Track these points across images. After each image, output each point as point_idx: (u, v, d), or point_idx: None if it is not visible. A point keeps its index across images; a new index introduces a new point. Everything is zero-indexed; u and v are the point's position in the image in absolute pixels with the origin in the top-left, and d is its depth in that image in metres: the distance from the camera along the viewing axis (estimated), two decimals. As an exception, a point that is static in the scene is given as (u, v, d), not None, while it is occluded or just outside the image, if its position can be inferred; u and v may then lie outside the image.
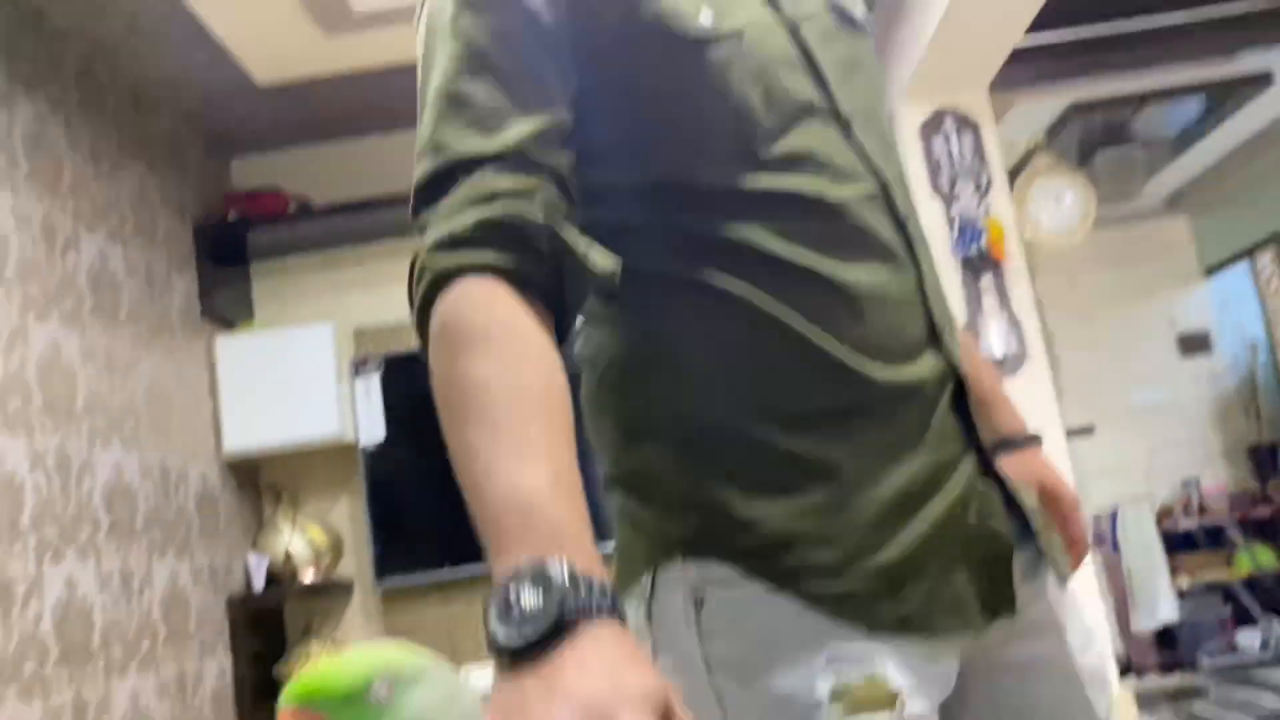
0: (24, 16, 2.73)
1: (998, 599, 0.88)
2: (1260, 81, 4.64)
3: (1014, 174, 4.10)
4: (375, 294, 3.84)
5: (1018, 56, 3.57)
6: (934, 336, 0.92)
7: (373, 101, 3.68)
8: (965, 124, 3.68)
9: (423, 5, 0.91)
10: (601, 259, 0.79)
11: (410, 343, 3.83)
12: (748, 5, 0.90)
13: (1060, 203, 3.97)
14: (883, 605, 0.82)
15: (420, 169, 0.80)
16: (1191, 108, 4.97)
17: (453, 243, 0.74)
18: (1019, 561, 0.91)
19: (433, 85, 0.83)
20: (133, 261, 3.11)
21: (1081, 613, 0.98)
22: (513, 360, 0.69)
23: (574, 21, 0.84)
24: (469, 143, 0.79)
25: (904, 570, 0.83)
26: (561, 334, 0.78)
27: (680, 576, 0.84)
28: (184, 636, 3.03)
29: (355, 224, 3.69)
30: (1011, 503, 0.93)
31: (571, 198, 0.81)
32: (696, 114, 0.86)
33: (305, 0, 2.80)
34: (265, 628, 3.54)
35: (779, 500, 0.83)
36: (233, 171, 4.01)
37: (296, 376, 3.54)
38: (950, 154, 3.65)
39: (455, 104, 0.81)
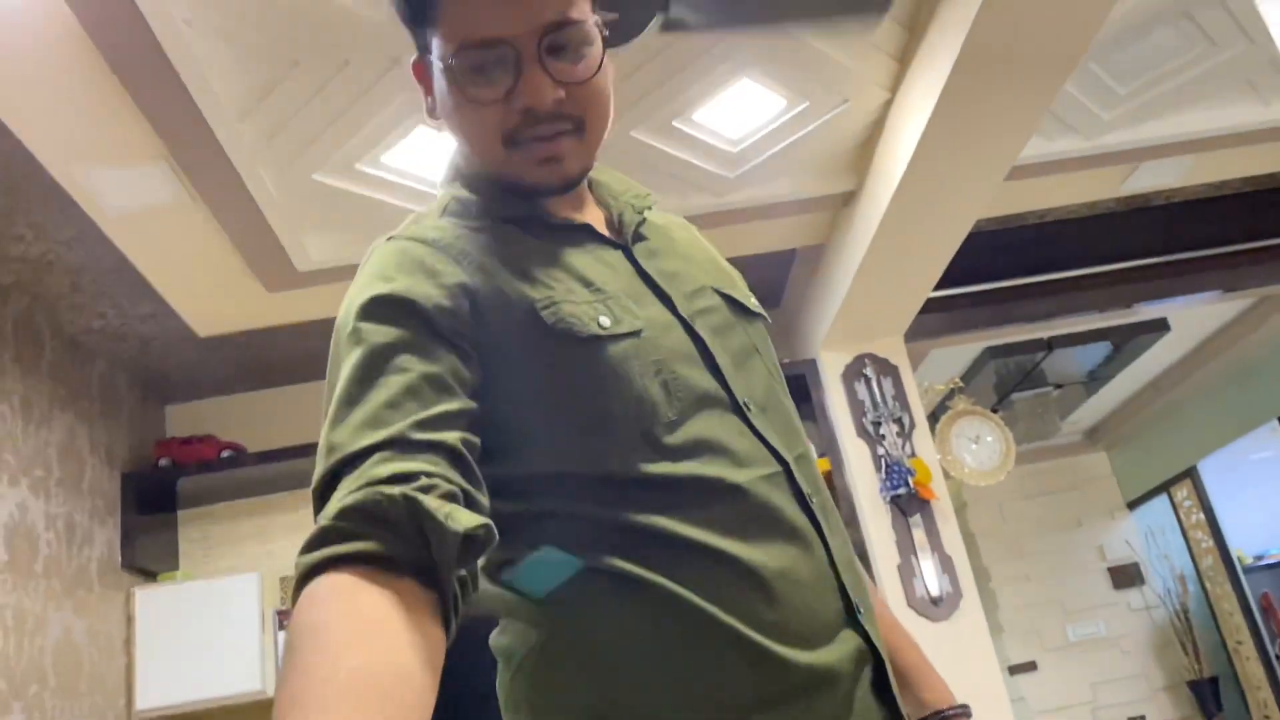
0: (-32, 275, 2.80)
1: None
2: (1158, 326, 4.96)
3: (936, 415, 4.25)
4: (303, 540, 3.77)
5: (931, 306, 3.80)
6: (850, 615, 0.92)
7: (312, 350, 3.76)
8: (885, 368, 3.85)
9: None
10: (466, 518, 0.74)
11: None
12: (646, 306, 0.97)
13: (980, 443, 4.10)
14: None
15: (315, 475, 0.80)
16: (1099, 351, 5.26)
17: (316, 540, 0.73)
18: None
19: (335, 393, 0.85)
20: (53, 514, 3.05)
21: None
22: (323, 653, 0.64)
23: (476, 327, 0.89)
24: (358, 439, 0.79)
25: None
26: (450, 603, 0.75)
27: None
28: None
29: (287, 470, 3.67)
30: None
31: (466, 464, 0.81)
32: (600, 406, 0.89)
33: (250, 261, 2.90)
34: None
35: None
36: (168, 417, 4.01)
37: (219, 629, 3.42)
38: (872, 396, 3.79)
39: (350, 406, 0.82)
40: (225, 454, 3.67)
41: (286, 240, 2.85)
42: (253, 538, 3.81)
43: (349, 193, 2.76)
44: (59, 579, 3.02)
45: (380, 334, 0.86)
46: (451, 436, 0.81)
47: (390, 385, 0.82)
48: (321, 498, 0.78)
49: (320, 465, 0.80)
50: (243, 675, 3.38)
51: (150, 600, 3.43)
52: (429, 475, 0.76)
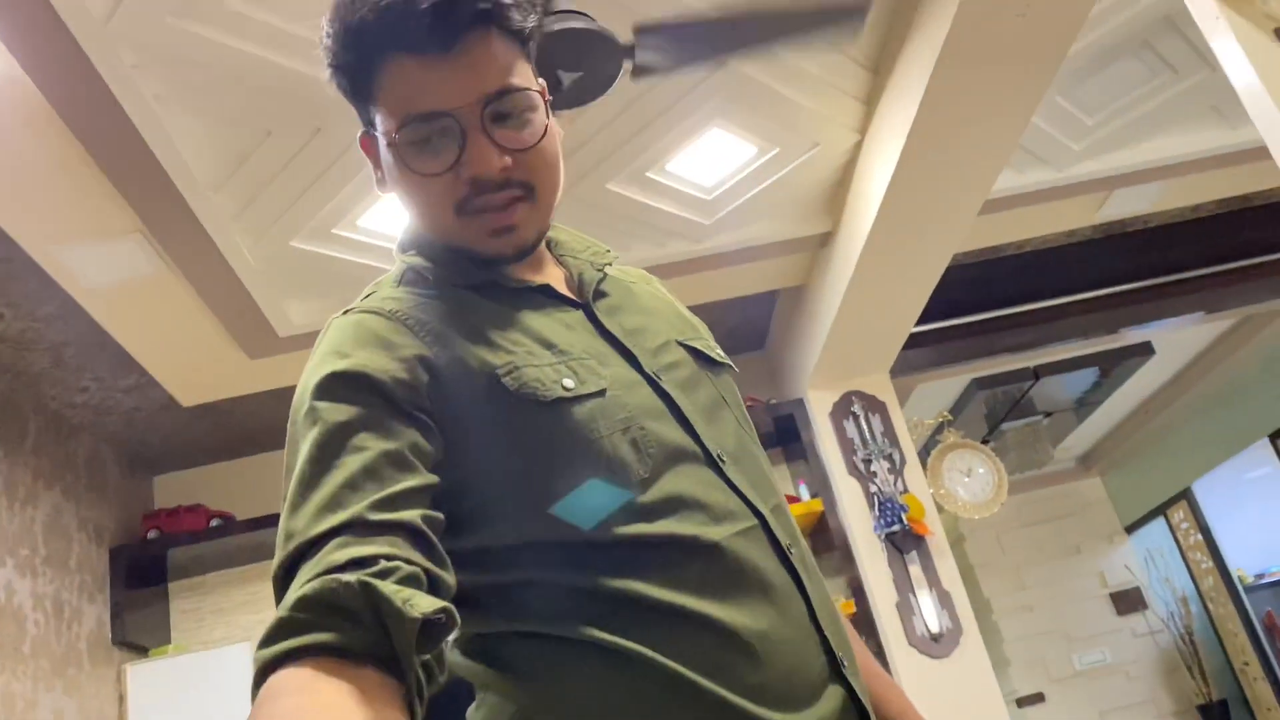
0: (-52, 356, 2.79)
1: None
2: (1143, 350, 4.98)
3: (927, 450, 4.24)
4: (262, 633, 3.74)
5: (915, 341, 3.81)
6: (835, 670, 0.91)
7: (298, 414, 3.74)
8: (873, 405, 3.85)
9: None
10: (424, 603, 0.71)
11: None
12: (610, 365, 0.95)
13: (973, 475, 4.10)
14: None
15: (274, 562, 0.79)
16: (1086, 377, 5.27)
17: (274, 633, 0.70)
18: None
19: (293, 476, 0.83)
20: (40, 593, 3.01)
21: None
22: None
23: (437, 399, 0.88)
24: (315, 525, 0.77)
25: None
26: (414, 689, 0.72)
27: None
28: None
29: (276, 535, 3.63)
30: None
31: (428, 543, 0.80)
32: (569, 469, 0.88)
33: (231, 329, 2.90)
34: None
35: None
36: (155, 488, 3.99)
37: (213, 702, 3.36)
38: (862, 434, 3.78)
39: (308, 490, 0.80)
40: (214, 523, 3.64)
41: (267, 307, 2.85)
42: (245, 606, 3.77)
43: (327, 257, 2.77)
44: (48, 659, 2.98)
45: (337, 412, 0.84)
46: (412, 515, 0.79)
47: (348, 466, 0.81)
48: (281, 585, 0.76)
49: (279, 553, 0.78)
50: (238, 748, 3.33)
51: (142, 676, 3.38)
52: (389, 558, 0.74)
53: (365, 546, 0.75)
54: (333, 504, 0.78)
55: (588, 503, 0.86)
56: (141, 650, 3.52)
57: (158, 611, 3.68)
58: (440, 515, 0.83)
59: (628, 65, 2.05)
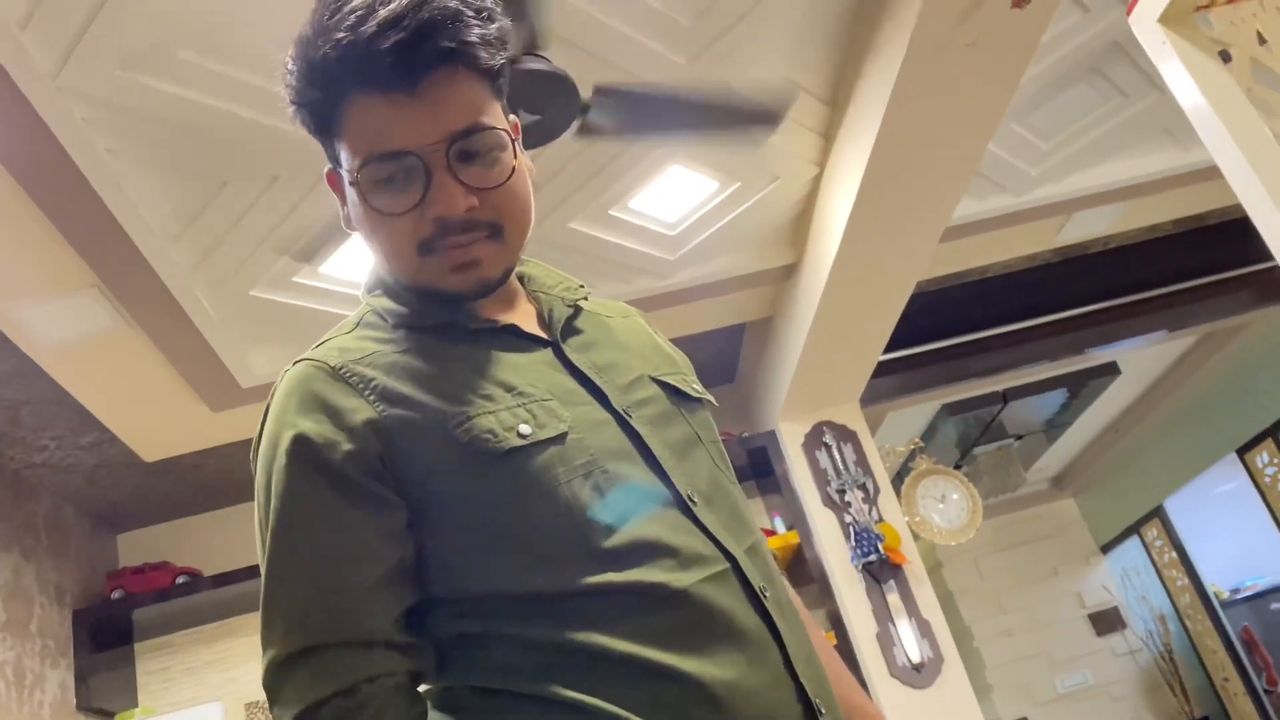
0: (-100, 420, 2.72)
1: None
2: (1109, 370, 5.02)
3: (901, 478, 4.24)
4: (268, 664, 3.66)
5: (883, 369, 3.82)
6: (812, 718, 0.87)
7: (264, 466, 3.68)
8: (845, 434, 3.84)
9: (258, 436, 0.93)
10: None
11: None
12: (575, 405, 0.92)
13: (947, 501, 4.09)
14: None
15: (263, 660, 0.84)
16: (1054, 399, 5.30)
17: None
18: None
19: (262, 560, 0.86)
20: (1, 660, 2.93)
21: None
22: None
23: (389, 463, 0.86)
24: (290, 639, 0.82)
25: None
26: None
27: None
28: None
29: (246, 591, 3.56)
30: None
31: (404, 644, 0.85)
32: (527, 519, 0.86)
33: (193, 382, 2.86)
34: None
35: None
36: (119, 546, 3.90)
37: (182, 765, 3.28)
38: (835, 464, 3.78)
39: (275, 589, 0.85)
40: (181, 580, 3.56)
41: (228, 358, 2.81)
42: (214, 665, 3.69)
43: (289, 305, 2.74)
44: (10, 728, 2.89)
45: (292, 501, 0.85)
46: (384, 625, 0.83)
47: (310, 568, 0.84)
48: (271, 696, 0.83)
49: (262, 657, 0.83)
50: (211, 812, 3.24)
51: (109, 741, 3.29)
52: (370, 680, 0.80)
53: (345, 675, 0.80)
54: (301, 624, 0.83)
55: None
56: (108, 715, 3.42)
57: (124, 674, 3.59)
58: (408, 600, 0.87)
59: (577, 122, 2.07)
